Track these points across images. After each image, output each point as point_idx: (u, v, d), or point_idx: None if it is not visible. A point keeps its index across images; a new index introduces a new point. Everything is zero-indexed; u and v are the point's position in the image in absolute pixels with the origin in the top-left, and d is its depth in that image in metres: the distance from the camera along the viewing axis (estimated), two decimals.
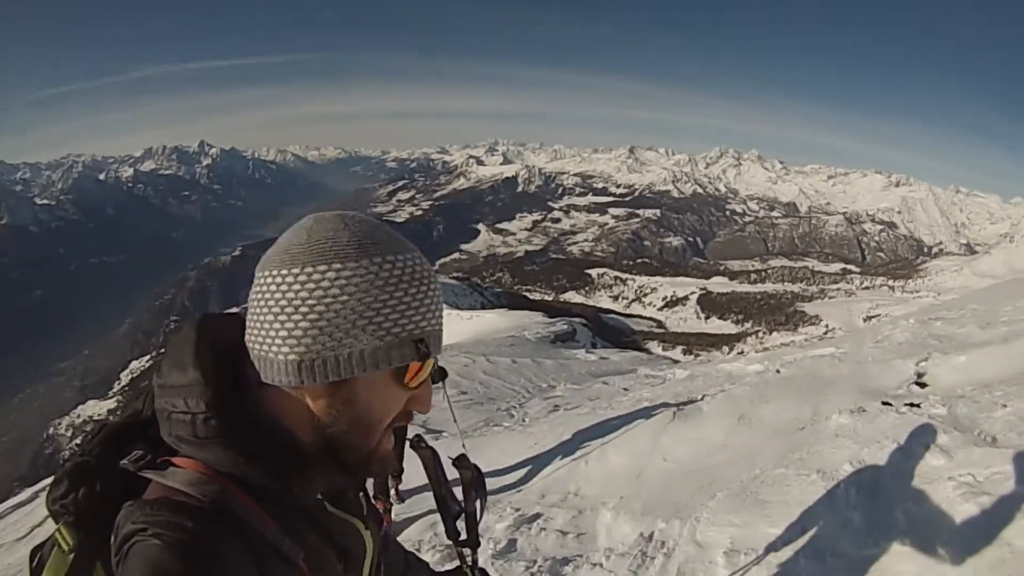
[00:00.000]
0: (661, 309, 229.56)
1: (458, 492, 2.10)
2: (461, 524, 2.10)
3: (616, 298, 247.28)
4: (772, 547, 4.73)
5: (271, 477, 1.24)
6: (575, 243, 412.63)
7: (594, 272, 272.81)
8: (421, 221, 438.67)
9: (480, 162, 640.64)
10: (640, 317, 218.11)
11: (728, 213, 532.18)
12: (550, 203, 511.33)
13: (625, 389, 14.45)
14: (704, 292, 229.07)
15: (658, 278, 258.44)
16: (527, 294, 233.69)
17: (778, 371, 10.78)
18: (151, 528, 1.08)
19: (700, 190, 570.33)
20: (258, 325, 1.23)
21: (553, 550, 5.80)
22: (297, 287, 1.18)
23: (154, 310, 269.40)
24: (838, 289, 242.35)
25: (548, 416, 12.14)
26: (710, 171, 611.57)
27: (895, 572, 4.17)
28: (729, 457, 6.84)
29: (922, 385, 7.67)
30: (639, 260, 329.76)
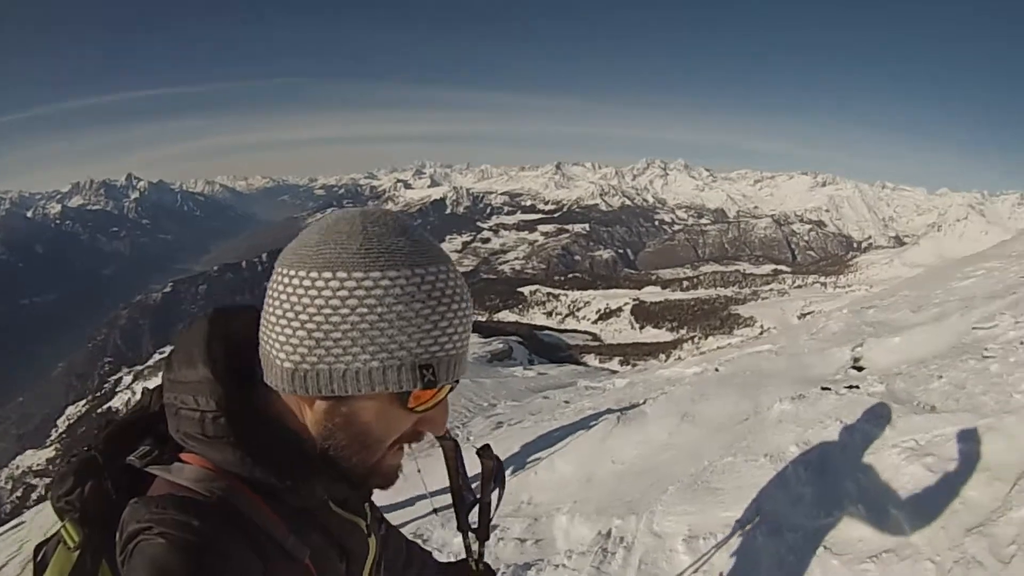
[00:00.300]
0: (595, 322, 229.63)
1: (474, 487, 2.06)
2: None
3: (550, 314, 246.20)
4: (730, 529, 4.85)
5: (278, 478, 1.21)
6: (506, 262, 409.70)
7: (526, 289, 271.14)
8: None
9: (408, 186, 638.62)
10: (575, 331, 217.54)
11: (657, 223, 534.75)
12: (479, 223, 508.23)
13: (566, 401, 14.49)
14: (637, 302, 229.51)
15: (590, 291, 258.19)
16: None
17: (717, 370, 10.99)
18: (156, 527, 1.07)
19: (628, 202, 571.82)
20: (264, 323, 1.20)
21: (513, 557, 5.85)
22: (301, 291, 1.13)
23: (87, 352, 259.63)
24: (771, 290, 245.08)
25: (492, 433, 12.24)
26: (637, 182, 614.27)
27: (850, 538, 4.33)
28: (676, 454, 6.97)
29: (859, 369, 7.93)
30: (570, 275, 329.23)
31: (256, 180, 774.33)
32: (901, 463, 4.65)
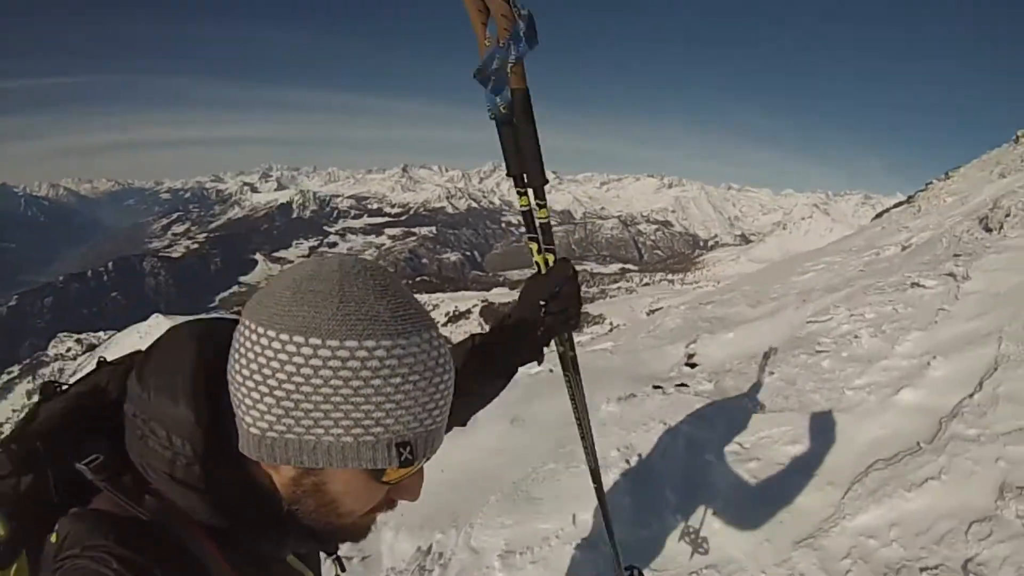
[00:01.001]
0: (445, 324, 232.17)
1: None
2: None
3: None
4: (546, 543, 4.72)
5: (241, 532, 1.13)
6: None
7: None
8: (198, 255, 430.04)
9: (255, 189, 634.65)
10: None
11: (504, 225, 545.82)
12: (326, 228, 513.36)
13: None
14: (486, 304, 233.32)
15: (439, 294, 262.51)
16: None
17: (551, 371, 10.81)
18: (95, 551, 0.97)
19: (475, 204, 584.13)
20: (232, 380, 1.07)
21: None
22: (271, 354, 1.01)
23: None
24: (619, 288, 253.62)
25: None
26: (484, 185, 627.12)
27: (670, 552, 4.22)
28: (503, 461, 6.74)
29: (692, 365, 7.89)
30: (418, 278, 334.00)
31: (101, 184, 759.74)
32: (724, 469, 4.58)
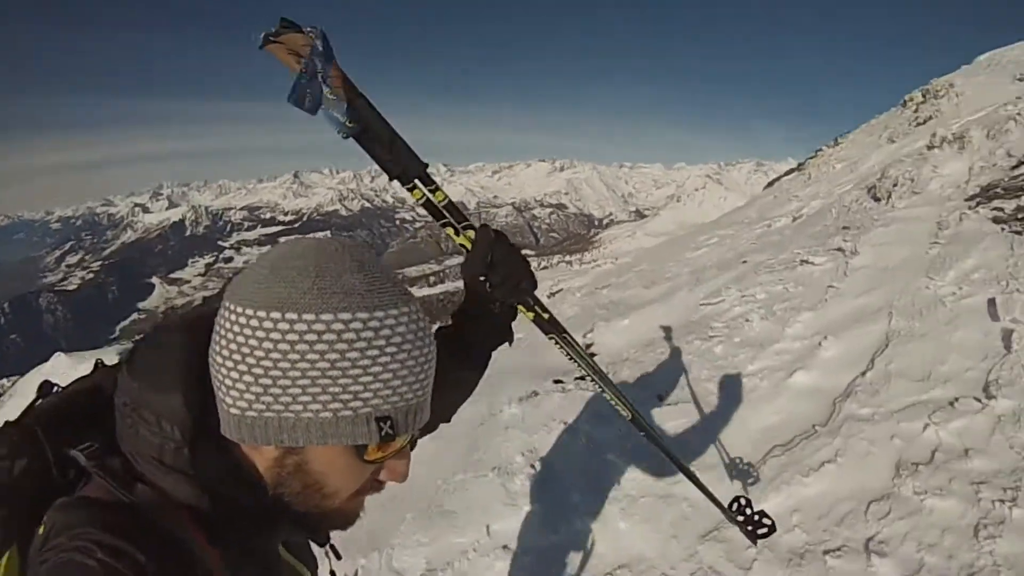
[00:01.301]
0: None
1: None
2: None
3: None
4: (464, 556, 4.69)
5: (231, 519, 1.11)
6: None
7: None
8: (94, 285, 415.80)
9: (146, 209, 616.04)
10: None
11: (398, 223, 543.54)
12: (220, 243, 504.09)
13: None
14: None
15: None
16: None
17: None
18: (77, 540, 0.94)
19: (368, 204, 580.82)
20: (212, 361, 1.07)
21: None
22: (248, 332, 1.01)
23: None
24: None
25: None
26: (376, 184, 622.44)
27: (582, 555, 4.22)
28: (416, 472, 6.54)
29: (590, 355, 7.82)
30: None
31: None
32: (625, 466, 4.61)
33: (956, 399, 4.58)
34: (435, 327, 1.76)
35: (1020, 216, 7.42)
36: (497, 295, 1.85)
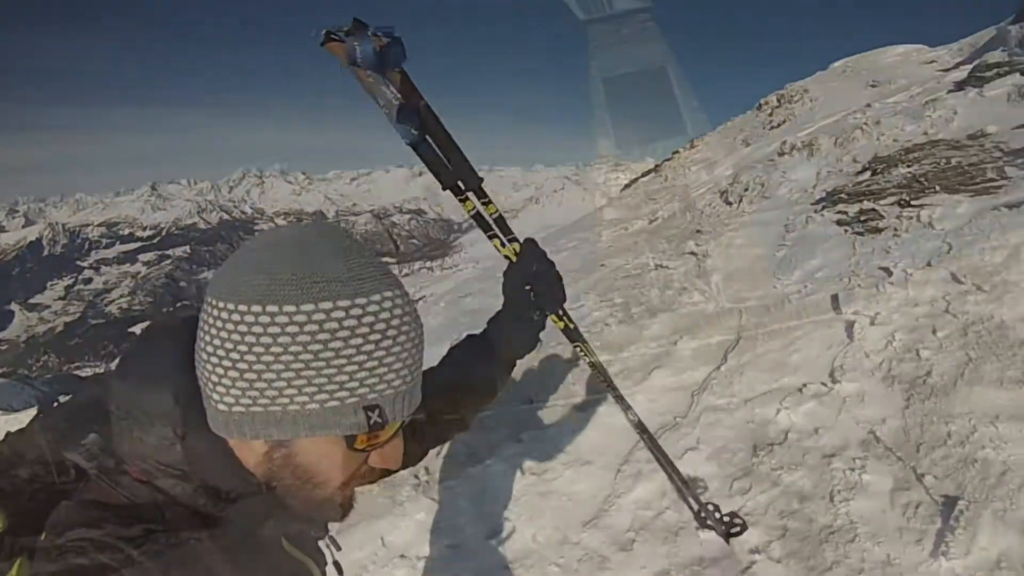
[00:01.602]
0: None
1: None
2: None
3: None
4: (365, 571, 4.71)
5: (228, 515, 1.15)
6: (112, 302, 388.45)
7: (138, 328, 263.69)
8: None
9: (2, 228, 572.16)
10: None
11: (257, 234, 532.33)
12: (79, 263, 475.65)
13: None
14: None
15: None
16: (78, 371, 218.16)
17: None
18: (73, 541, 0.99)
19: (227, 216, 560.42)
20: (197, 358, 1.10)
21: None
22: (231, 327, 1.02)
23: None
24: None
25: None
26: (234, 195, 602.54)
27: (474, 563, 4.33)
28: None
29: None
30: (179, 304, 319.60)
31: None
32: (506, 471, 4.82)
33: (804, 385, 4.96)
34: (464, 335, 1.99)
35: (862, 219, 7.95)
36: (539, 304, 1.95)
